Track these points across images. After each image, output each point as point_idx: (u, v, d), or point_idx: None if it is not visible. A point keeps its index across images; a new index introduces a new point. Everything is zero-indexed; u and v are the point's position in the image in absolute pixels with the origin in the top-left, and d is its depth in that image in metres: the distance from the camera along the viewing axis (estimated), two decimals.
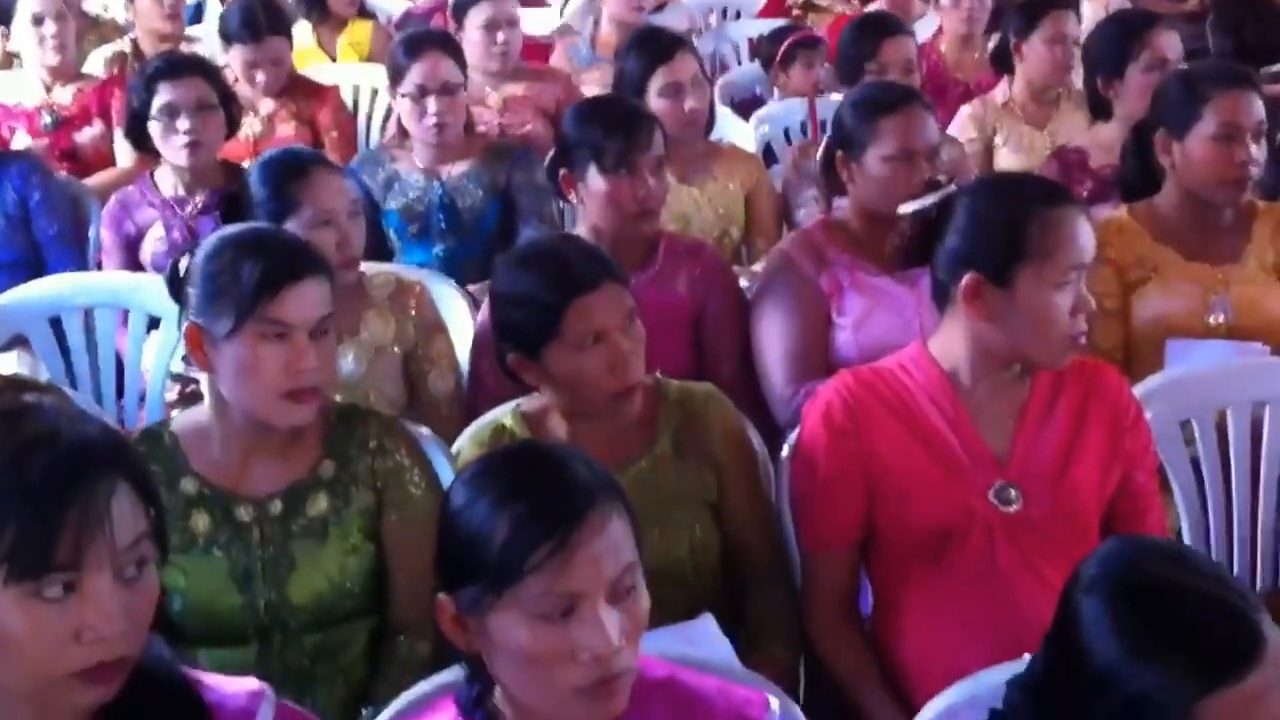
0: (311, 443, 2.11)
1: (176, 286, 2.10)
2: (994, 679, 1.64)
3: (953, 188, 2.17)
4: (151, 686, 1.41)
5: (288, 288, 2.00)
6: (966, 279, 2.06)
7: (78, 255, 3.54)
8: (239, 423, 2.07)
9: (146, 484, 1.37)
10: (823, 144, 2.94)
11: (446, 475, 2.19)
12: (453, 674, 1.64)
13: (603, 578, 1.43)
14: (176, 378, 2.68)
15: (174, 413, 2.42)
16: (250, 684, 1.49)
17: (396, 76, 3.51)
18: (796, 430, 2.24)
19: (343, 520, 2.09)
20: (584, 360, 2.10)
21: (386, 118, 4.42)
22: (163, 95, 3.34)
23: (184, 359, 2.57)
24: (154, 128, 3.37)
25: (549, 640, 1.42)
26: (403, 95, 3.48)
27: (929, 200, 2.14)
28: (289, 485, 2.09)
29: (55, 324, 3.07)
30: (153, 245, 3.42)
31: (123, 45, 4.70)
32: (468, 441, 2.28)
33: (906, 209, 2.16)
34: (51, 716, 1.37)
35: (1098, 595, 1.44)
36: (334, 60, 5.19)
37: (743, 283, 3.01)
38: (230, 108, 3.46)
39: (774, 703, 1.59)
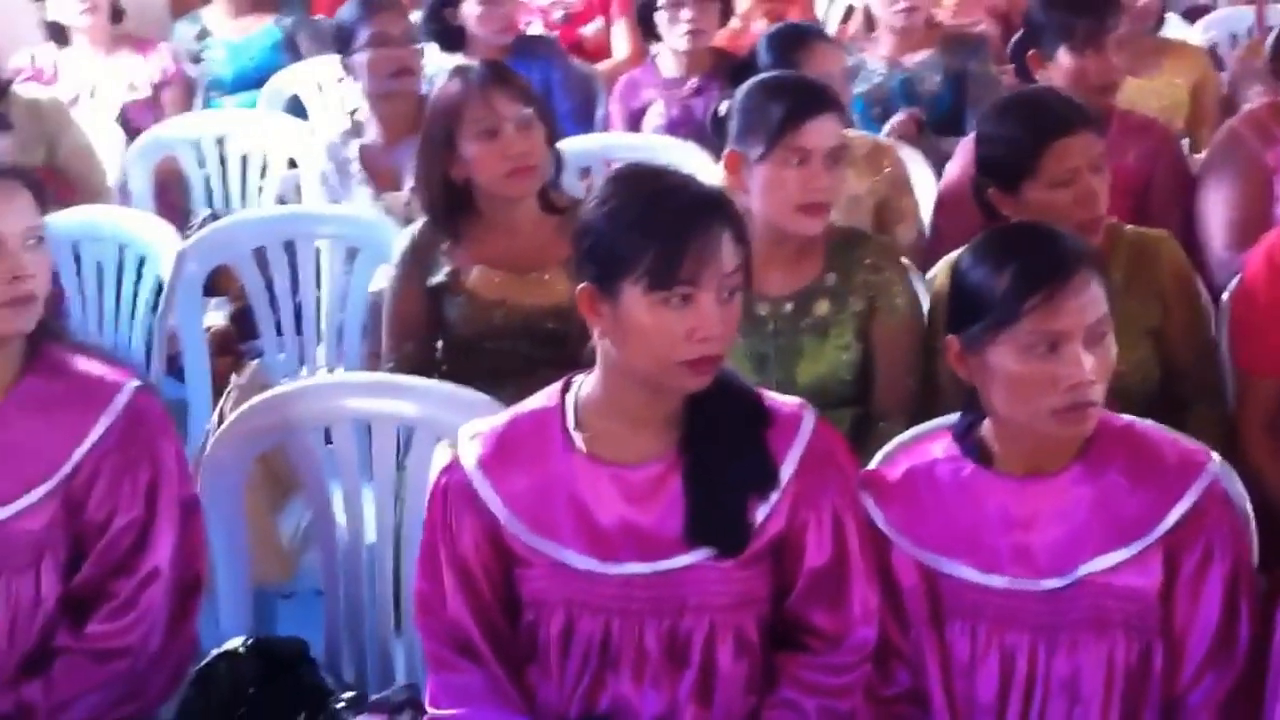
0: (817, 257, 2.56)
1: (720, 125, 2.59)
2: None
3: None
4: (729, 388, 1.89)
5: (810, 120, 2.46)
6: None
7: (587, 129, 4.13)
8: (761, 232, 2.52)
9: (742, 231, 1.85)
10: (1274, 34, 3.16)
11: (922, 295, 2.62)
12: (946, 419, 2.07)
13: (1083, 323, 1.82)
14: None
15: None
16: (796, 400, 1.96)
17: None
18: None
19: (840, 321, 2.54)
20: (1056, 195, 2.45)
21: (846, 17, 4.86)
22: None
23: None
24: (660, 16, 3.91)
25: (1035, 370, 1.82)
26: None
27: None
28: (798, 290, 2.55)
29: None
30: (653, 120, 3.97)
31: None
32: (943, 265, 2.68)
33: None
34: (660, 397, 1.87)
35: None
36: None
37: None
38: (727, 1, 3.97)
39: (1216, 457, 1.93)
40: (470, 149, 2.73)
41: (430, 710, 1.93)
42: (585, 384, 1.93)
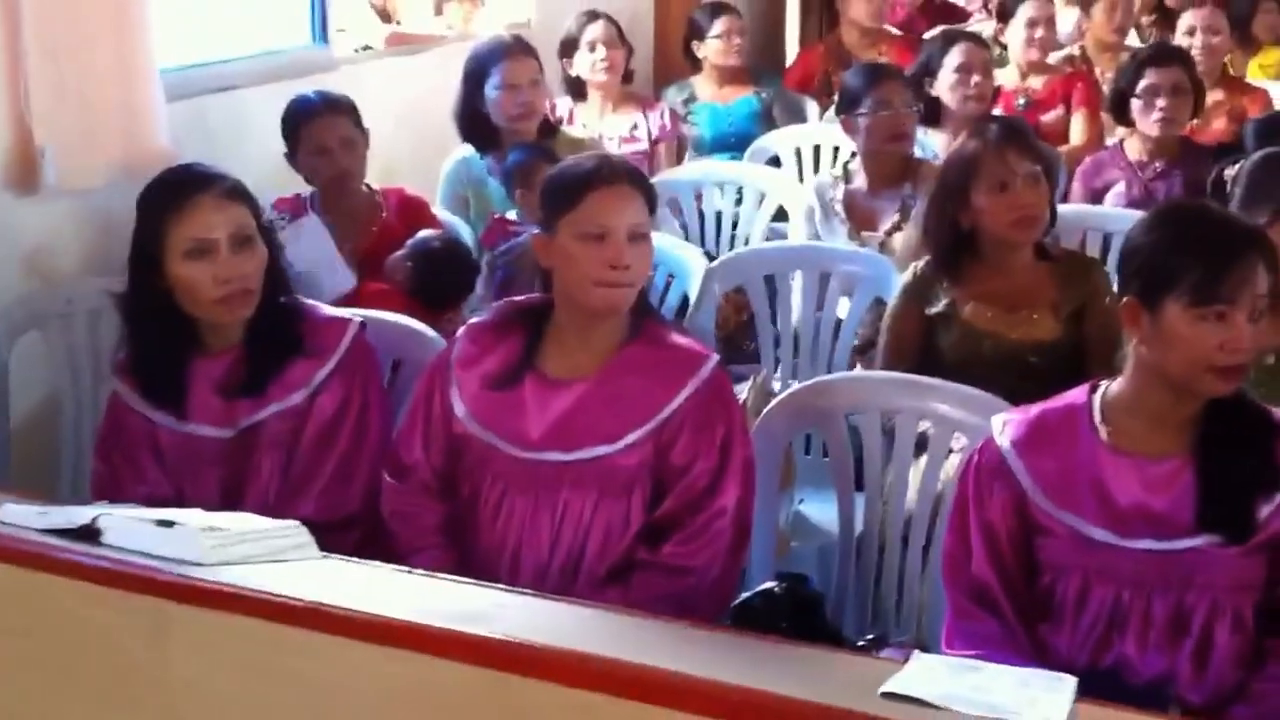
0: None
1: (1220, 189, 2.87)
2: None
3: None
4: (1243, 400, 2.17)
5: None
6: None
7: None
8: None
9: (1274, 260, 2.13)
10: None
11: None
12: None
13: None
14: None
15: None
16: None
17: None
18: None
19: None
20: None
21: None
22: (1148, 78, 4.17)
23: None
24: (1135, 104, 4.20)
25: None
26: None
27: None
28: None
29: None
30: (1113, 199, 4.25)
31: (1073, 50, 5.63)
32: None
33: None
34: (1184, 400, 2.17)
35: None
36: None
37: None
38: (1199, 96, 4.23)
39: None
40: (982, 199, 3.09)
41: (946, 651, 2.25)
42: (1111, 386, 2.24)
